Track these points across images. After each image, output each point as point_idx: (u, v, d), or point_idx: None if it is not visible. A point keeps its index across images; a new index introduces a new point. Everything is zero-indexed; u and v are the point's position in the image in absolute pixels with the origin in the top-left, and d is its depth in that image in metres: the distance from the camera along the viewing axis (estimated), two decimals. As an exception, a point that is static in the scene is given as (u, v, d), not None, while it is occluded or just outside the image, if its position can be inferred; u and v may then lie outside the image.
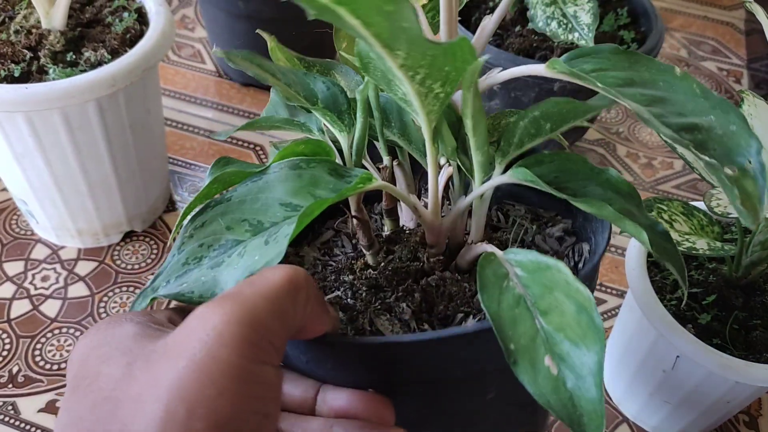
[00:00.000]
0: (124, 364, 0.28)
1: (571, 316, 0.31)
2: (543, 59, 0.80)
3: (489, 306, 0.32)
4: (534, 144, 0.39)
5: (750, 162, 0.29)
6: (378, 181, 0.36)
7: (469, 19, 0.86)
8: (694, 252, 0.51)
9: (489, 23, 0.39)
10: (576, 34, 0.69)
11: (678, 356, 0.57)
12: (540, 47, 0.81)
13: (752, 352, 0.56)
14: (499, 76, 0.36)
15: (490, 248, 0.38)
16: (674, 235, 0.52)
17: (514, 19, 0.85)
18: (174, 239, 0.35)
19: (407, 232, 0.44)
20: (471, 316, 0.40)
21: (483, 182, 0.39)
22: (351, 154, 0.41)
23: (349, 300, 0.41)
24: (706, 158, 0.28)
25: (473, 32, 0.79)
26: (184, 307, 0.34)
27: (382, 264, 0.42)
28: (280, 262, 0.32)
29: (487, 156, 0.37)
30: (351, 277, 0.43)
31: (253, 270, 0.32)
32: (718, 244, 0.53)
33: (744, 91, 0.47)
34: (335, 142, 0.42)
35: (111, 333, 0.30)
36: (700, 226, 0.55)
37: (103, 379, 0.28)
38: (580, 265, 0.44)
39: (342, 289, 0.42)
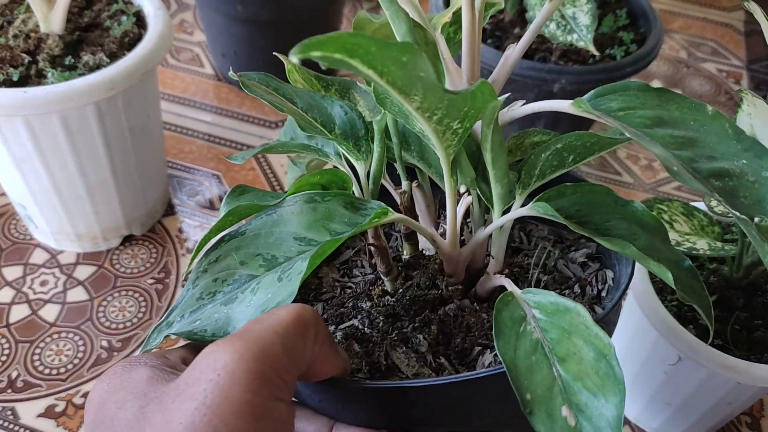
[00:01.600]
0: (138, 408, 0.28)
1: (589, 364, 0.30)
2: (542, 60, 0.80)
3: (505, 353, 0.31)
4: (556, 175, 0.38)
5: None
6: (393, 215, 0.35)
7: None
8: (694, 252, 0.50)
9: (513, 53, 0.38)
10: (575, 36, 0.69)
11: (679, 357, 0.56)
12: (539, 48, 0.81)
13: (754, 352, 0.55)
14: (521, 110, 0.35)
15: (509, 285, 0.37)
16: (674, 236, 0.52)
17: (513, 20, 0.85)
18: (188, 273, 0.35)
19: (427, 257, 0.43)
20: (489, 350, 0.39)
21: (503, 214, 0.38)
22: (368, 182, 0.40)
23: (366, 329, 0.40)
24: (737, 213, 0.27)
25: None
26: (197, 346, 0.34)
27: (401, 290, 0.41)
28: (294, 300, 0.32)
29: (507, 187, 0.37)
30: (369, 304, 0.42)
31: (266, 308, 0.32)
32: (719, 244, 0.53)
33: (743, 91, 0.47)
34: (353, 167, 0.41)
35: (126, 377, 0.30)
36: (700, 227, 0.55)
37: (119, 423, 0.29)
38: (604, 293, 0.43)
39: (359, 317, 0.41)
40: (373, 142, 0.39)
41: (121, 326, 0.72)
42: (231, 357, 0.27)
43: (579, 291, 0.44)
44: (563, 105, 0.32)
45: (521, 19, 0.84)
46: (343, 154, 0.41)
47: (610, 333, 0.35)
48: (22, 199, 0.72)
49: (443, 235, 0.40)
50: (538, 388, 0.29)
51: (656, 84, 1.07)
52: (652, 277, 0.59)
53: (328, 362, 0.33)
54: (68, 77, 0.62)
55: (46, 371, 0.68)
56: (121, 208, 0.75)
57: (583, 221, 0.37)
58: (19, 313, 0.72)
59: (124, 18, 0.70)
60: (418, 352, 0.39)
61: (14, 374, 0.67)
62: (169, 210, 0.84)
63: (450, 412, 0.36)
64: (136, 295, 0.75)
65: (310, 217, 0.35)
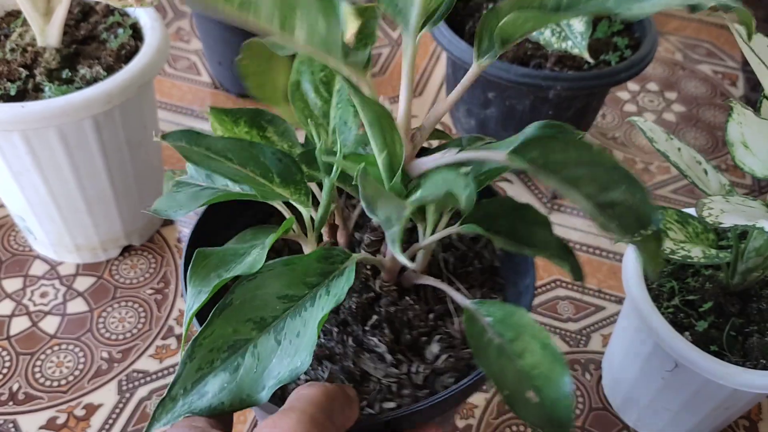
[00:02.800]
0: None
1: (539, 354, 0.36)
2: (537, 67, 0.80)
3: (488, 369, 0.37)
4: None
5: (653, 228, 0.35)
6: (354, 259, 0.40)
7: (462, 27, 0.86)
8: (689, 260, 0.51)
9: (446, 102, 0.40)
10: (569, 43, 0.70)
11: (676, 364, 0.57)
12: (534, 55, 0.81)
13: (749, 358, 0.56)
14: (455, 157, 0.38)
15: (434, 283, 0.44)
16: (669, 244, 0.52)
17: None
18: (184, 347, 0.38)
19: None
20: (434, 339, 0.46)
21: (432, 234, 0.43)
22: (312, 225, 0.45)
23: (326, 342, 0.45)
24: (621, 236, 0.34)
25: (466, 41, 0.80)
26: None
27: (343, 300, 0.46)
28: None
29: (439, 212, 0.42)
30: None
31: (281, 380, 0.36)
32: (713, 251, 0.53)
33: (732, 101, 0.48)
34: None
35: None
36: (695, 234, 0.55)
37: None
38: (497, 263, 0.52)
39: (322, 336, 0.46)
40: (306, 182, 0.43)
41: (121, 337, 0.72)
42: (289, 423, 0.33)
43: (479, 265, 0.52)
44: (499, 156, 0.36)
45: None
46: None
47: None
48: (21, 211, 0.73)
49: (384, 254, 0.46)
50: (509, 384, 0.36)
51: (652, 86, 1.08)
52: (649, 284, 0.59)
53: (352, 414, 0.39)
54: (65, 91, 0.63)
55: (47, 383, 0.68)
56: (119, 219, 0.75)
57: (515, 235, 0.42)
58: (19, 325, 0.73)
59: (120, 30, 0.70)
60: (378, 353, 0.45)
61: (15, 386, 0.68)
62: (168, 220, 0.84)
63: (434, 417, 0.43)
64: (136, 305, 0.75)
65: (289, 276, 0.38)
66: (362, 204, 0.32)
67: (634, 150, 0.97)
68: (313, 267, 0.39)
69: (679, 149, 0.58)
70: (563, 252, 0.40)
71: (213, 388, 0.36)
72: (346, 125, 0.44)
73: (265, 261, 0.39)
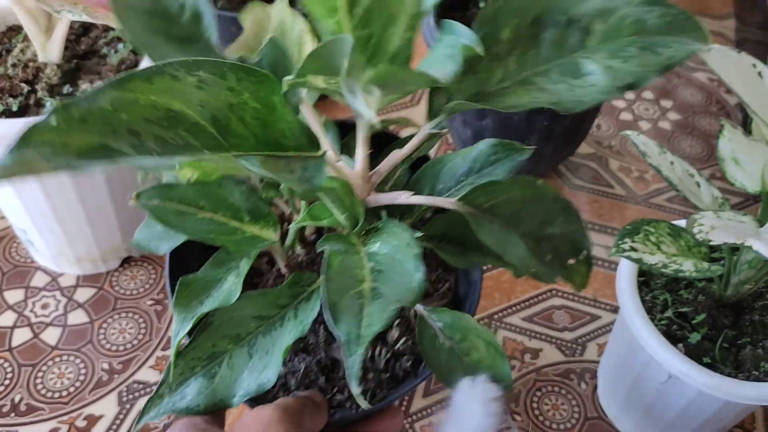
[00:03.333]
0: None
1: (484, 351, 0.43)
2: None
3: (438, 372, 0.43)
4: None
5: (585, 254, 0.42)
6: (318, 281, 0.44)
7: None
8: (681, 274, 0.51)
9: (399, 154, 0.43)
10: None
11: (669, 375, 0.57)
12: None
13: (742, 370, 0.57)
14: (410, 199, 0.42)
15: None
16: (661, 258, 0.53)
17: None
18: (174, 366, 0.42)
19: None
20: (395, 323, 0.50)
21: None
22: (284, 251, 0.50)
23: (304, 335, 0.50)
24: (548, 258, 0.41)
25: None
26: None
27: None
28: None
29: None
30: None
31: (249, 391, 0.41)
32: (705, 264, 0.54)
33: (723, 120, 0.48)
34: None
35: None
36: (687, 247, 0.56)
37: None
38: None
39: None
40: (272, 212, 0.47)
41: (121, 348, 0.73)
42: (267, 411, 0.39)
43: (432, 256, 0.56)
44: (448, 202, 0.41)
45: None
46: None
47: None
48: (22, 224, 0.74)
49: None
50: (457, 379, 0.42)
51: (648, 95, 1.09)
52: (642, 296, 0.60)
53: (321, 420, 0.43)
54: (66, 107, 0.64)
55: (49, 394, 0.69)
56: (119, 230, 0.76)
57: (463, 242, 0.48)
58: (21, 336, 0.73)
59: (120, 45, 0.71)
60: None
61: (17, 398, 0.68)
62: (168, 230, 0.85)
63: None
64: (136, 316, 0.76)
65: (263, 300, 0.43)
66: (325, 313, 0.34)
67: (630, 159, 0.98)
68: (284, 292, 0.43)
69: (672, 163, 0.59)
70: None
71: (192, 392, 0.41)
72: None
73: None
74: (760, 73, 0.48)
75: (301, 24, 0.43)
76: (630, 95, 1.08)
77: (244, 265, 0.42)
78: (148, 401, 0.41)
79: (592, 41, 0.37)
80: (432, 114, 0.39)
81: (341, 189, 0.38)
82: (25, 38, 0.69)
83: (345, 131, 0.51)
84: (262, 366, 0.41)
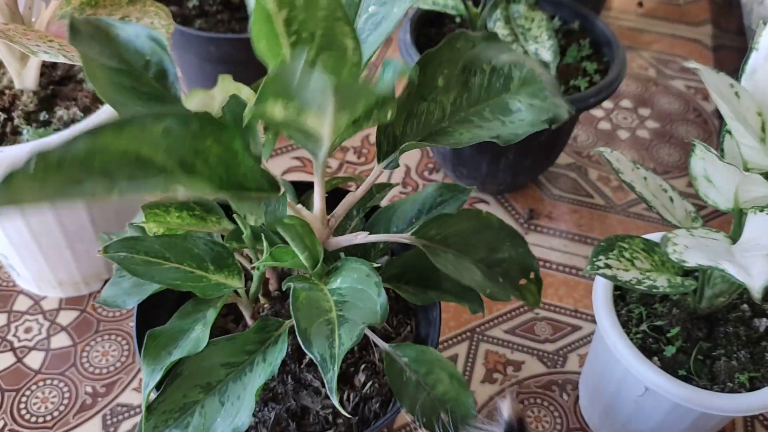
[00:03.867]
0: None
1: (448, 383, 0.45)
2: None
3: (408, 405, 0.45)
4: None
5: (534, 273, 0.46)
6: (287, 326, 0.46)
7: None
8: (654, 291, 0.52)
9: (356, 194, 0.45)
10: (538, 72, 0.71)
11: (646, 388, 0.58)
12: (507, 81, 0.83)
13: (717, 381, 0.57)
14: (367, 238, 0.45)
15: (385, 346, 0.49)
16: (635, 274, 0.53)
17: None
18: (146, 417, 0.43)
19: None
20: (360, 368, 0.53)
21: None
22: (247, 295, 0.51)
23: (272, 384, 0.51)
24: (500, 280, 0.45)
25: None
26: None
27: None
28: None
29: None
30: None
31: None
32: (679, 279, 0.54)
33: (695, 141, 0.50)
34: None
35: None
36: (661, 262, 0.56)
37: None
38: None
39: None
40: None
41: (104, 371, 0.73)
42: None
43: (393, 294, 0.57)
44: (403, 237, 0.44)
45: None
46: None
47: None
48: (3, 249, 0.74)
49: None
50: (427, 411, 0.45)
51: (626, 104, 1.10)
52: (618, 309, 0.61)
53: None
54: (43, 134, 0.64)
55: (33, 419, 0.69)
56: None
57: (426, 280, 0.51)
58: (4, 361, 0.73)
59: (97, 70, 0.71)
60: (314, 387, 0.51)
61: (1, 424, 0.68)
62: (150, 250, 0.85)
63: None
64: (119, 338, 0.76)
65: (231, 347, 0.45)
66: (299, 339, 0.36)
67: (609, 168, 0.98)
68: (251, 338, 0.45)
69: (645, 178, 0.60)
70: (464, 290, 0.49)
71: None
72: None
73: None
74: (737, 93, 0.49)
75: (247, 91, 0.45)
76: (608, 104, 1.09)
77: (211, 315, 0.44)
78: None
79: (514, 84, 0.43)
80: (382, 155, 0.43)
81: (301, 228, 0.39)
82: (1, 65, 0.69)
83: (301, 191, 0.55)
84: (235, 411, 0.42)
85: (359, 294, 0.38)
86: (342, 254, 0.46)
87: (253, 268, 0.52)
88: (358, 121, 0.34)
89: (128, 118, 0.29)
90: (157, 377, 0.42)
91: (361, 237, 0.44)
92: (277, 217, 0.34)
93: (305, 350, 0.36)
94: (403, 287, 0.48)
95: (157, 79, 0.41)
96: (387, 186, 0.55)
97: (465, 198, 0.50)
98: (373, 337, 0.49)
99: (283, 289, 0.39)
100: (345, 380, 0.53)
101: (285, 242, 0.42)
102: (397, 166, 0.43)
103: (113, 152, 0.29)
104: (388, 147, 0.42)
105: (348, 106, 0.36)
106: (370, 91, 0.31)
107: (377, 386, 0.52)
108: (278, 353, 0.43)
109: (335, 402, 0.36)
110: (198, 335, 0.43)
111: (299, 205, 0.42)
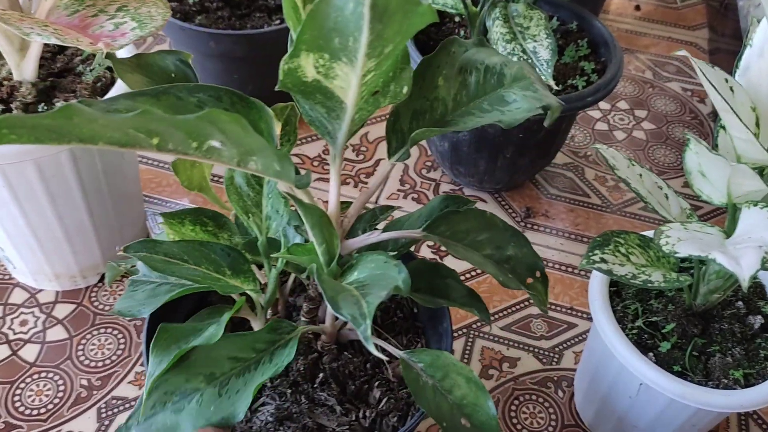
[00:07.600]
0: None
1: (465, 387, 0.45)
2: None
3: (428, 408, 0.45)
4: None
5: (540, 272, 0.47)
6: (300, 331, 0.47)
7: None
8: (650, 285, 0.52)
9: (363, 197, 0.47)
10: (536, 70, 0.72)
11: (641, 384, 0.58)
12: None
13: (711, 377, 0.58)
14: (380, 237, 0.46)
15: (381, 342, 0.50)
16: (630, 269, 0.54)
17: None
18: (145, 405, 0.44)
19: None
20: (374, 385, 0.54)
21: None
22: (261, 306, 0.52)
23: (283, 403, 0.52)
24: (512, 277, 0.47)
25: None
26: None
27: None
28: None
29: None
30: (270, 383, 0.54)
31: (210, 420, 0.43)
32: (674, 275, 0.55)
33: (688, 134, 0.50)
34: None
35: None
36: (656, 258, 0.57)
37: None
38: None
39: (269, 395, 0.53)
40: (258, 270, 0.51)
41: (100, 364, 0.73)
42: None
43: (401, 314, 0.61)
44: (415, 234, 0.46)
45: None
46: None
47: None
48: (0, 242, 0.74)
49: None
50: (446, 417, 0.44)
51: (623, 105, 1.10)
52: (614, 305, 0.61)
53: None
54: (42, 125, 0.64)
55: (27, 412, 0.69)
56: (98, 247, 0.76)
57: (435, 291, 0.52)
58: (-1, 354, 0.73)
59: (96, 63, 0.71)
60: (329, 406, 0.52)
61: (-5, 416, 0.68)
62: (147, 245, 0.85)
63: None
64: (115, 332, 0.76)
65: (241, 342, 0.45)
66: (327, 304, 0.37)
67: (605, 168, 0.99)
68: (262, 337, 0.46)
69: (640, 175, 0.60)
70: (471, 299, 0.50)
71: (157, 422, 0.43)
72: (278, 213, 0.50)
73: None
74: (731, 88, 0.49)
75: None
76: (605, 105, 1.10)
77: (225, 317, 0.45)
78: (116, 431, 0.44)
79: (507, 80, 0.46)
80: (392, 151, 0.45)
81: (321, 216, 0.39)
82: (0, 56, 0.69)
83: None
84: (231, 404, 0.43)
85: (379, 277, 0.39)
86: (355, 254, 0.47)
87: (265, 288, 0.53)
88: (377, 93, 0.36)
89: (165, 88, 0.31)
90: (163, 367, 0.43)
91: (375, 236, 0.45)
92: (304, 182, 0.35)
93: (335, 313, 0.37)
94: (413, 294, 0.49)
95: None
96: (390, 208, 0.57)
97: (470, 208, 0.52)
98: (387, 346, 0.50)
99: (304, 277, 0.41)
100: (359, 397, 0.53)
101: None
102: (408, 156, 0.45)
103: (151, 115, 0.30)
104: (397, 143, 0.45)
105: (385, 19, 0.36)
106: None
107: (393, 402, 0.53)
108: (286, 356, 0.43)
109: (371, 349, 0.35)
110: (211, 333, 0.44)
111: (316, 199, 0.44)
